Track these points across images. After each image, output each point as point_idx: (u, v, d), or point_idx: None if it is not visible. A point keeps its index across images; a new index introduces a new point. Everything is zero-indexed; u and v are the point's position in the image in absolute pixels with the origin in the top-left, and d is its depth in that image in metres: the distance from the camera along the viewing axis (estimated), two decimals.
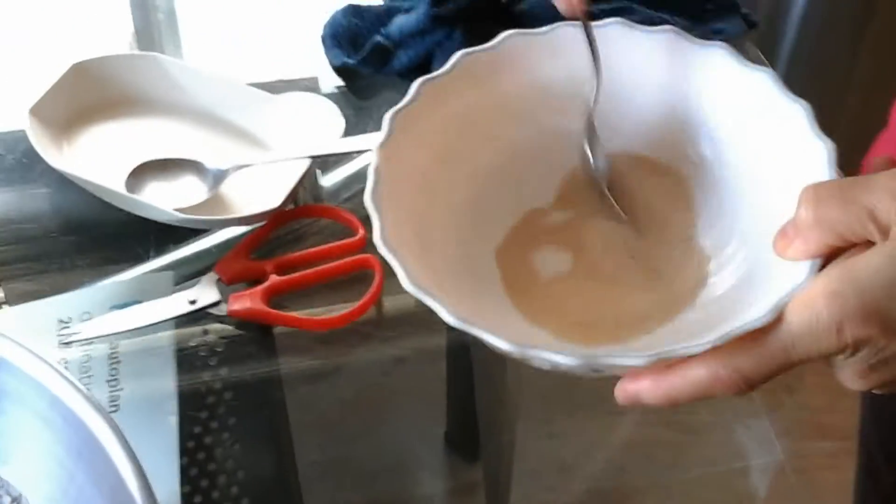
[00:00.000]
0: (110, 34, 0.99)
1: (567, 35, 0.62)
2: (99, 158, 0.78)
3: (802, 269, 0.47)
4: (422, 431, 0.74)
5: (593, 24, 0.61)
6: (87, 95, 0.81)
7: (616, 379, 0.50)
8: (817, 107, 0.56)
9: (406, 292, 0.49)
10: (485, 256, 0.60)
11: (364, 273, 0.73)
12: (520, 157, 0.63)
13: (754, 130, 0.58)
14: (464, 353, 0.77)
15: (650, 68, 0.62)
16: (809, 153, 0.53)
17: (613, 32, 0.62)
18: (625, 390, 0.48)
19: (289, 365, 0.71)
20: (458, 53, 0.61)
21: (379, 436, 0.72)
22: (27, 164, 0.80)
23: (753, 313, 0.46)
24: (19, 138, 0.78)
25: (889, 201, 0.44)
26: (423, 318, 0.75)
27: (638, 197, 0.62)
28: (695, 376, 0.46)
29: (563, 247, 0.61)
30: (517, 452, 0.77)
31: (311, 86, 0.89)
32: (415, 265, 0.51)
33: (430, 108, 0.59)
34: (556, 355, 0.47)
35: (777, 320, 0.45)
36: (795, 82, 0.58)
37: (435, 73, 0.60)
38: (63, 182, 0.75)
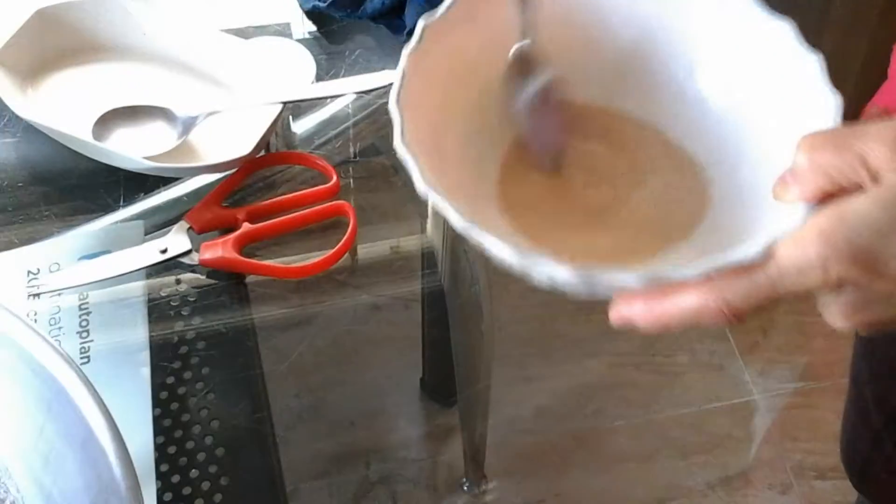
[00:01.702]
0: None
1: None
2: (65, 106, 0.77)
3: (798, 210, 0.49)
4: (398, 378, 0.74)
5: None
6: (52, 41, 0.79)
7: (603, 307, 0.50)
8: None
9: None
10: (491, 172, 0.61)
11: (337, 220, 0.72)
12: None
13: (763, 75, 0.59)
14: (439, 299, 0.76)
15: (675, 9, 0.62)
16: (818, 104, 0.54)
17: None
18: (618, 312, 0.50)
19: (262, 313, 0.70)
20: None
21: (355, 383, 0.71)
22: None
23: (746, 248, 0.47)
24: None
25: (880, 148, 0.46)
26: (399, 265, 0.76)
27: (632, 144, 0.63)
28: (685, 303, 0.47)
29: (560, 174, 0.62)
30: (493, 396, 0.76)
31: (282, 31, 0.87)
32: (429, 169, 0.51)
33: (462, 20, 0.59)
34: (556, 268, 0.48)
35: (768, 257, 0.46)
36: None
37: None
38: (29, 130, 0.74)
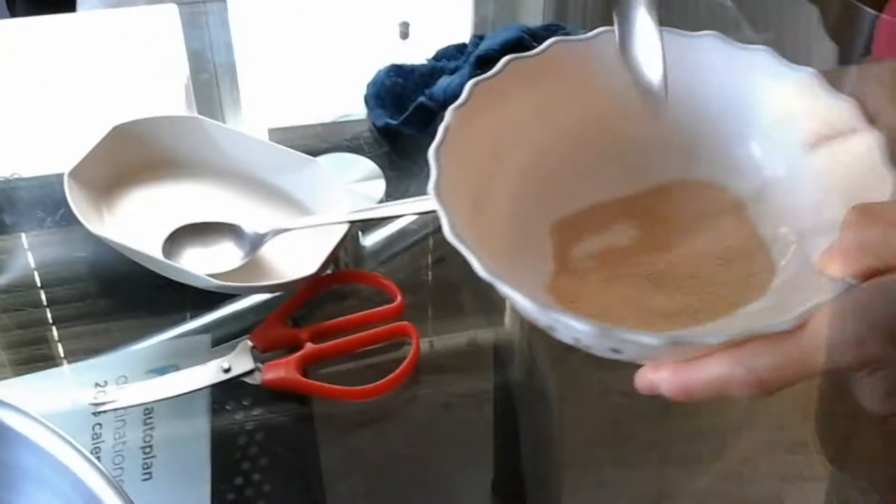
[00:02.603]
0: (164, 91, 1.00)
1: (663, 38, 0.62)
2: (137, 222, 0.78)
3: (839, 284, 0.47)
4: (468, 481, 0.73)
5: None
6: (127, 158, 0.81)
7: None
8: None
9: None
10: (537, 233, 0.60)
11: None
12: (589, 151, 0.63)
13: (818, 151, 0.58)
14: (512, 398, 0.76)
15: (736, 83, 0.62)
16: (874, 182, 0.53)
17: (705, 44, 0.62)
18: (645, 378, 0.49)
19: (327, 427, 0.70)
20: (552, 40, 0.61)
21: (424, 485, 0.71)
22: (65, 228, 0.80)
23: (778, 318, 0.46)
24: (59, 201, 0.78)
25: None
26: (472, 361, 0.76)
27: (695, 214, 0.62)
28: (711, 372, 0.46)
29: (612, 241, 0.61)
30: (565, 502, 0.75)
31: (352, 145, 0.88)
32: (460, 219, 0.51)
33: (512, 85, 0.60)
34: (577, 323, 0.47)
35: (800, 327, 0.45)
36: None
37: (523, 54, 0.61)
38: (102, 245, 0.75)
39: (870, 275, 0.46)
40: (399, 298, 0.74)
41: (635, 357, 0.49)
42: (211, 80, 1.00)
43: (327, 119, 0.93)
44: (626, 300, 0.57)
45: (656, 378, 0.48)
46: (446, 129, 0.56)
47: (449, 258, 0.82)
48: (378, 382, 0.69)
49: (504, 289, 0.49)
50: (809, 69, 0.59)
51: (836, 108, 0.57)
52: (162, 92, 0.99)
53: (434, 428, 0.72)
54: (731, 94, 0.61)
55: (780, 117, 0.60)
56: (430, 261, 0.82)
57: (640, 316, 0.55)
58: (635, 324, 0.55)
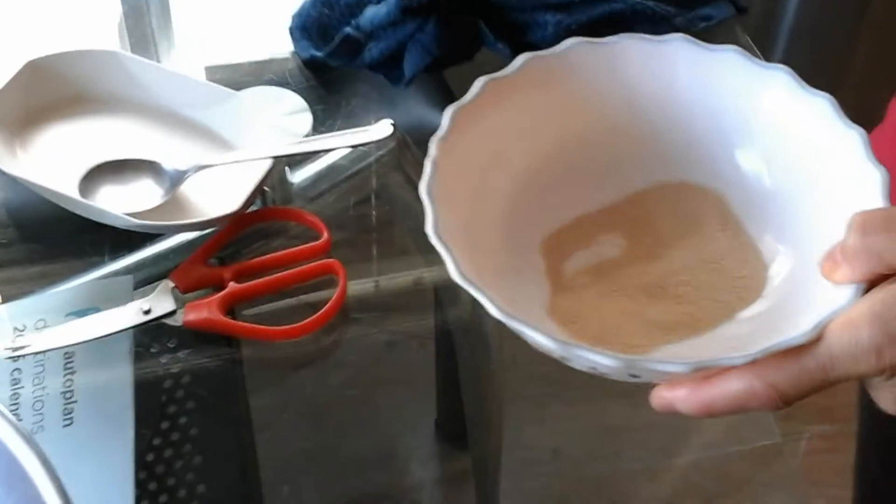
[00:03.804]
0: (95, 29, 0.96)
1: (633, 46, 0.62)
2: (53, 160, 0.76)
3: (847, 290, 0.48)
4: (412, 420, 0.72)
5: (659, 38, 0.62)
6: (42, 94, 0.78)
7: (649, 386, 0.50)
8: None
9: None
10: (529, 253, 0.60)
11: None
12: (570, 166, 0.63)
13: (807, 153, 0.58)
14: (452, 336, 0.76)
15: (711, 88, 0.62)
16: (862, 179, 0.53)
17: (677, 50, 0.62)
18: (661, 397, 0.49)
19: (258, 369, 0.69)
20: (524, 56, 0.61)
21: (367, 425, 0.70)
22: None
23: (795, 330, 0.46)
24: None
25: None
26: (415, 301, 0.75)
27: (682, 218, 0.62)
28: (731, 389, 0.46)
29: (603, 254, 0.61)
30: (507, 439, 0.75)
31: (278, 79, 0.86)
32: (464, 258, 0.52)
33: (491, 107, 0.60)
34: (599, 357, 0.47)
35: (817, 339, 0.45)
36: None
37: (499, 73, 0.61)
38: (15, 185, 0.73)
39: (876, 280, 0.47)
40: (325, 235, 0.72)
41: (654, 380, 0.50)
42: (143, 16, 0.97)
43: (265, 56, 0.90)
44: (625, 315, 0.57)
45: (672, 396, 0.48)
46: (434, 162, 0.56)
47: (380, 194, 0.80)
48: (303, 322, 0.68)
49: (522, 328, 0.49)
50: (782, 66, 0.59)
51: (813, 105, 0.57)
52: (93, 29, 0.96)
53: (374, 368, 0.72)
54: (704, 98, 0.62)
55: (758, 119, 0.61)
56: (361, 198, 0.80)
57: (642, 330, 0.56)
58: (639, 339, 0.55)
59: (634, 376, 0.49)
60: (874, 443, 0.89)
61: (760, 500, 0.76)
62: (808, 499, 0.76)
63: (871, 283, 0.47)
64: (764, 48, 1.21)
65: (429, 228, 0.52)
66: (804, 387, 0.45)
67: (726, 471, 0.80)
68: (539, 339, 0.48)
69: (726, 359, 0.46)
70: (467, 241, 0.54)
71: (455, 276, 0.50)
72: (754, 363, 0.46)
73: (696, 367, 0.46)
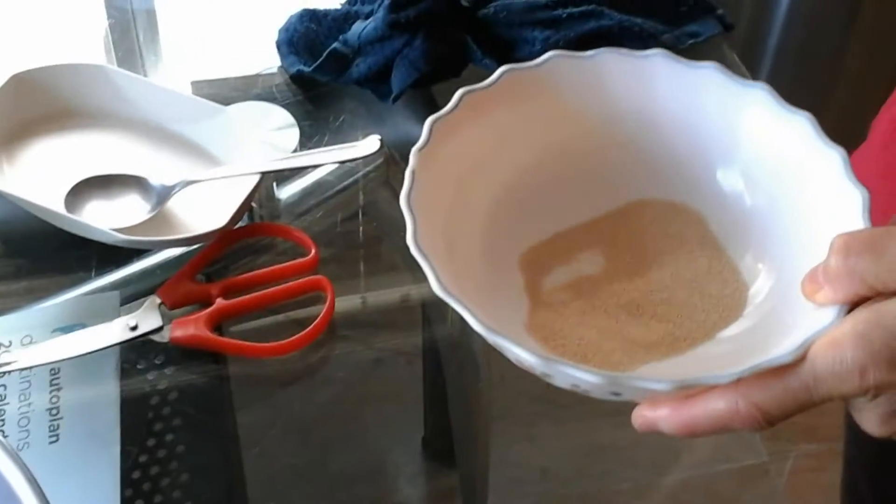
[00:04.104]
0: (81, 42, 0.96)
1: (612, 60, 0.62)
2: (39, 175, 0.75)
3: (830, 310, 0.47)
4: (399, 437, 0.72)
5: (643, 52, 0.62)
6: (27, 108, 0.78)
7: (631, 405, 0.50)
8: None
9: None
10: (508, 267, 0.60)
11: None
12: (550, 180, 0.63)
13: (787, 172, 0.58)
14: (440, 353, 0.75)
15: (690, 104, 0.62)
16: (843, 199, 0.53)
17: (657, 65, 0.62)
18: (643, 417, 0.49)
19: (245, 386, 0.69)
20: (503, 68, 0.61)
21: (354, 441, 0.70)
22: None
23: (778, 350, 0.46)
24: None
25: None
26: (403, 318, 0.75)
27: (661, 236, 0.62)
28: (714, 408, 0.46)
29: (582, 270, 0.61)
30: (495, 457, 0.74)
31: (266, 94, 0.86)
32: (444, 270, 0.51)
33: (469, 119, 0.59)
34: (582, 373, 0.47)
35: (801, 359, 0.45)
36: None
37: (478, 85, 0.60)
38: (1, 199, 0.72)
39: (858, 301, 0.46)
40: (313, 251, 0.72)
41: (636, 398, 0.49)
42: (130, 30, 0.97)
43: (253, 71, 0.90)
44: (605, 332, 0.57)
45: (654, 416, 0.48)
46: (413, 173, 0.55)
47: (368, 210, 0.80)
48: (290, 339, 0.67)
49: (504, 343, 0.48)
50: (762, 84, 0.59)
51: (793, 124, 0.57)
52: (79, 43, 0.96)
53: (362, 385, 0.71)
54: (684, 114, 0.62)
55: (738, 137, 0.60)
56: (349, 214, 0.80)
57: (622, 349, 0.56)
58: (619, 357, 0.55)
59: (616, 394, 0.48)
60: (861, 461, 0.88)
61: None
62: None
63: (854, 304, 0.47)
64: (751, 65, 1.22)
65: (409, 239, 0.52)
66: (788, 407, 0.45)
67: (714, 489, 0.80)
68: (521, 354, 0.48)
69: (711, 377, 0.46)
70: (446, 253, 0.54)
71: (436, 287, 0.50)
72: (738, 383, 0.45)
73: (679, 385, 0.46)
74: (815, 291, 0.48)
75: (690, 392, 0.47)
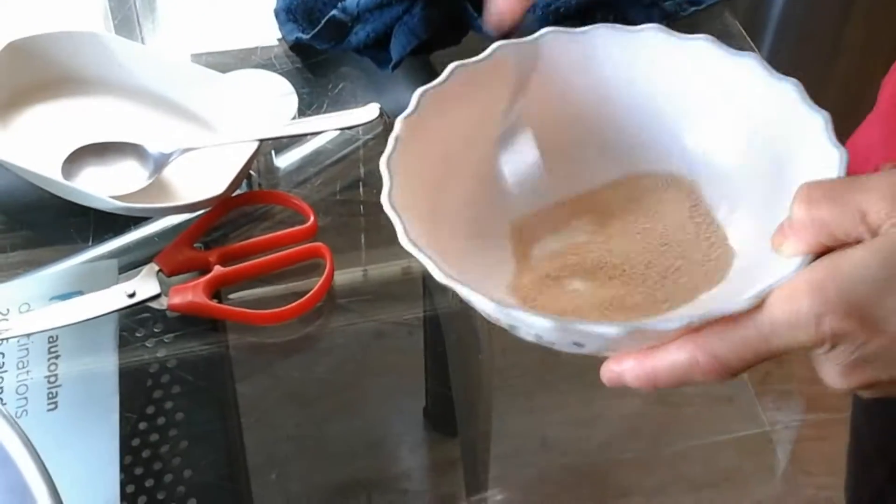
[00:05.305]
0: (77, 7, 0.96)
1: (605, 35, 0.63)
2: (36, 143, 0.75)
3: (793, 262, 0.48)
4: (400, 408, 0.72)
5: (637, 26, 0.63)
6: (23, 75, 0.77)
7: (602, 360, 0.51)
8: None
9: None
10: (497, 235, 0.61)
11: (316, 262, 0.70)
12: (541, 153, 0.64)
13: (776, 138, 0.59)
14: (440, 326, 0.75)
15: (683, 76, 0.62)
16: (822, 159, 0.54)
17: (650, 39, 0.62)
18: (610, 370, 0.49)
19: (246, 354, 0.69)
20: (496, 44, 0.62)
21: (356, 413, 0.70)
22: None
23: (735, 300, 0.47)
24: None
25: (880, 203, 0.44)
26: (405, 289, 0.75)
27: (653, 205, 0.63)
28: (674, 360, 0.47)
29: (570, 238, 0.62)
30: (496, 427, 0.74)
31: (265, 62, 0.85)
32: (415, 226, 0.52)
33: (460, 92, 0.60)
34: (535, 318, 0.48)
35: (758, 309, 0.45)
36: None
37: (470, 60, 0.61)
38: None
39: (822, 252, 0.46)
40: (311, 219, 0.71)
41: (599, 349, 0.50)
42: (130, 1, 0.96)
43: (250, 42, 0.89)
44: (584, 296, 0.57)
45: (620, 369, 0.49)
46: (396, 138, 0.56)
47: (367, 179, 0.80)
48: (289, 306, 0.67)
49: (462, 291, 0.49)
50: (752, 53, 0.59)
51: (781, 91, 0.57)
52: (76, 10, 0.95)
53: (363, 356, 0.71)
54: (676, 86, 0.62)
55: (729, 107, 0.61)
56: (348, 183, 0.79)
57: (601, 311, 0.56)
58: (599, 318, 0.55)
59: (578, 344, 0.49)
60: (869, 429, 0.88)
61: (749, 488, 0.76)
62: (797, 487, 0.76)
63: (819, 255, 0.47)
64: (753, 34, 1.21)
65: (384, 197, 0.53)
66: (747, 357, 0.45)
67: (714, 460, 0.80)
68: (479, 302, 0.49)
69: (660, 322, 0.47)
70: (430, 216, 0.55)
71: (403, 240, 0.51)
72: (697, 335, 0.46)
73: (631, 329, 0.46)
74: (781, 243, 0.49)
75: (655, 345, 0.47)
